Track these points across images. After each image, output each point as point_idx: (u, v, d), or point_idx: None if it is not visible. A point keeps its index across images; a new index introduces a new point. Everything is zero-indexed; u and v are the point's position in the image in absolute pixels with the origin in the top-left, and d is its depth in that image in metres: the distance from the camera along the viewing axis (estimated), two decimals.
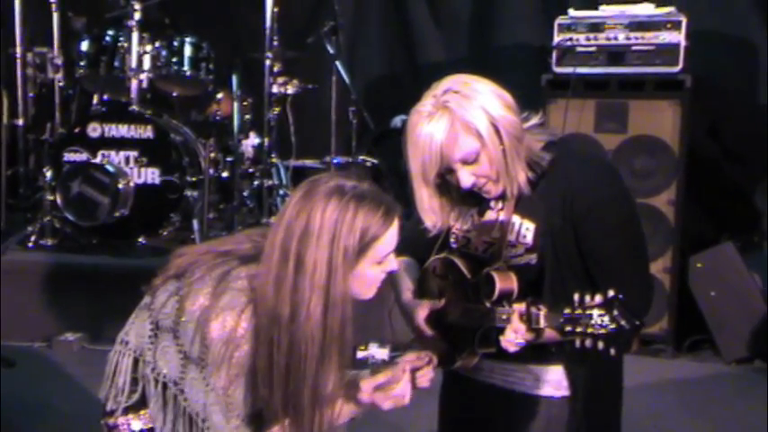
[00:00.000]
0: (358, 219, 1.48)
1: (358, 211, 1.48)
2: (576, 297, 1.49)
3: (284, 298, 1.47)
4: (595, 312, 1.45)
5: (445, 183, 1.72)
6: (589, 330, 1.44)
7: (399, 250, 1.97)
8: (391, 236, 1.52)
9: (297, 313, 1.46)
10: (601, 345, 1.44)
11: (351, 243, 1.47)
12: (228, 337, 1.48)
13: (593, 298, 1.47)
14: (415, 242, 1.90)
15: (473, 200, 1.79)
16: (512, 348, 1.61)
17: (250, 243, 1.58)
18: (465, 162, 1.66)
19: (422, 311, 1.81)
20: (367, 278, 1.53)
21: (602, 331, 1.43)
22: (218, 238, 1.68)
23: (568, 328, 1.47)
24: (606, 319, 1.43)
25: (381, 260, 1.53)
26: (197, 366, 1.50)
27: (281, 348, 1.47)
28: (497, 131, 1.64)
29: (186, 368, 1.51)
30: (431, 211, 1.76)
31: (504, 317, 1.61)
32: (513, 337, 1.59)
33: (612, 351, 1.44)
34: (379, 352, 2.48)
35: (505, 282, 1.67)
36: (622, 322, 1.43)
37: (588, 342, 1.45)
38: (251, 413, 1.53)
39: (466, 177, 1.67)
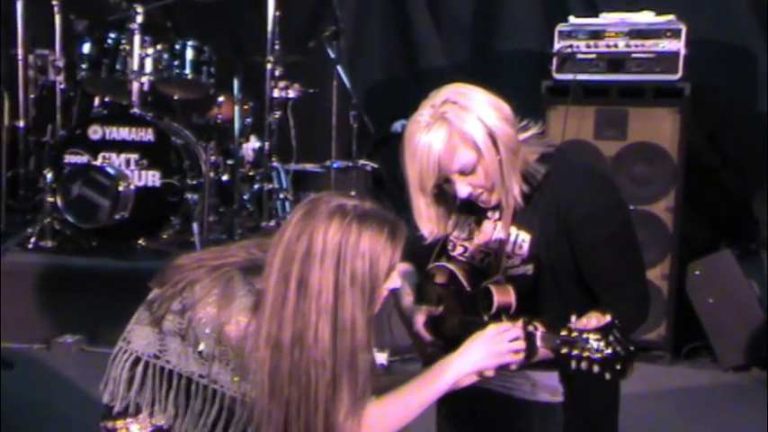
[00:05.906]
0: (363, 241, 1.44)
1: (362, 234, 1.44)
2: (573, 319, 1.49)
3: (285, 322, 1.42)
4: (591, 336, 1.45)
5: (442, 192, 1.74)
6: (585, 354, 1.45)
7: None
8: (398, 257, 1.49)
9: (302, 338, 1.41)
10: (596, 368, 1.45)
11: (359, 267, 1.43)
12: (245, 333, 1.45)
13: (589, 320, 1.48)
14: (413, 248, 1.91)
15: (471, 209, 1.80)
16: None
17: (245, 253, 1.55)
18: (462, 173, 1.67)
19: (420, 317, 1.82)
20: None
21: (598, 355, 1.43)
22: (211, 250, 1.62)
23: (564, 350, 1.48)
24: (602, 343, 1.43)
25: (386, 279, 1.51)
26: (220, 362, 1.48)
27: (281, 376, 1.42)
28: (494, 143, 1.65)
29: (209, 365, 1.48)
30: (428, 220, 1.77)
31: None
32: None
33: (608, 375, 1.44)
34: (378, 356, 2.48)
35: (503, 296, 1.69)
36: (618, 348, 1.43)
37: (584, 365, 1.45)
38: None
39: (462, 188, 1.68)
